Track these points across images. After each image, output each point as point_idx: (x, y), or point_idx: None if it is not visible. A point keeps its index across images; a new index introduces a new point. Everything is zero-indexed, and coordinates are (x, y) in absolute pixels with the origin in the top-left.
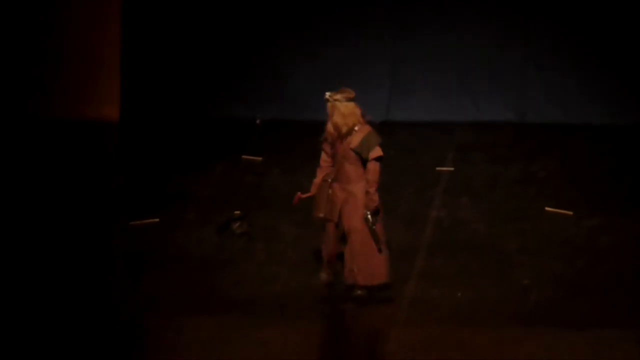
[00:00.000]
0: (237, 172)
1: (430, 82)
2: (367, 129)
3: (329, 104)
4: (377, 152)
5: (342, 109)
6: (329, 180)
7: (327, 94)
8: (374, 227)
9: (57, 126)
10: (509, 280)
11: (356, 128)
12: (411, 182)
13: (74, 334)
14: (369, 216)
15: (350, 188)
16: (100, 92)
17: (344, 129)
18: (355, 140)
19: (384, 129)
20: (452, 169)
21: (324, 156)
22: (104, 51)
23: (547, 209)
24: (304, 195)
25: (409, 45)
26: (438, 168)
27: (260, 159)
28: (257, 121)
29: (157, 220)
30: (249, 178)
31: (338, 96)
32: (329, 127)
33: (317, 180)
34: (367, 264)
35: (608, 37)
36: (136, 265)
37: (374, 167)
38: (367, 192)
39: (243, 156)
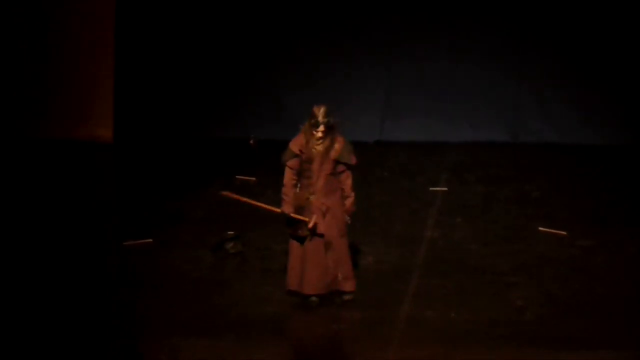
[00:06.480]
0: (231, 192)
1: (423, 103)
2: (342, 138)
3: (322, 127)
4: (355, 158)
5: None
6: (307, 194)
7: (320, 119)
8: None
9: (52, 146)
10: (503, 300)
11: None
12: (405, 202)
13: (68, 355)
14: (349, 220)
15: (329, 200)
16: (94, 113)
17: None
18: (335, 151)
19: (377, 149)
20: (445, 189)
21: (290, 174)
22: (98, 72)
23: (540, 229)
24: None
25: (403, 66)
26: (432, 188)
27: (254, 179)
28: (251, 141)
29: (151, 240)
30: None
31: (330, 118)
32: (322, 147)
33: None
34: (351, 270)
35: (601, 59)
36: (130, 286)
37: (349, 173)
38: (349, 197)
39: (237, 176)
